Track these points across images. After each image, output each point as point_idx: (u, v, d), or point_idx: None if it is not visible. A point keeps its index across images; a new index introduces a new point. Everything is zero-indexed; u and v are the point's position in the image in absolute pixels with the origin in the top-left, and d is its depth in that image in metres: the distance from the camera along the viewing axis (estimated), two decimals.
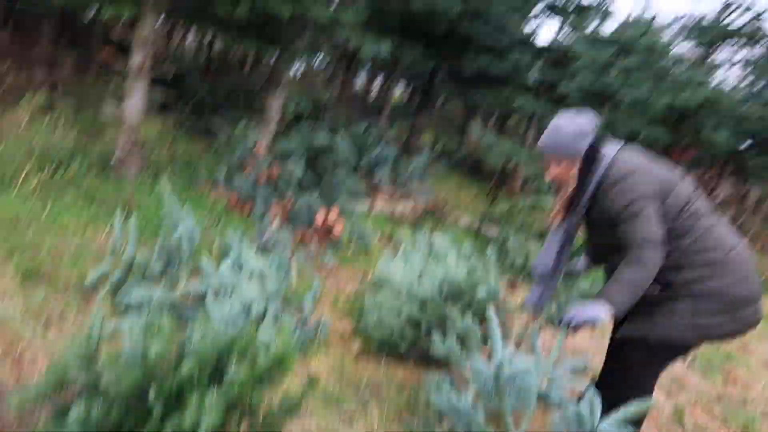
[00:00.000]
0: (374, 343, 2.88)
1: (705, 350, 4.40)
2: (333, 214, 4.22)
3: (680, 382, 3.81)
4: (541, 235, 5.43)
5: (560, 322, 2.15)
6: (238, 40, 5.47)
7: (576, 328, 2.11)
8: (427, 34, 9.09)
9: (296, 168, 4.39)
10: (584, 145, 2.34)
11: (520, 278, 4.73)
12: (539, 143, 2.44)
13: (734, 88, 14.20)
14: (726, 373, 4.26)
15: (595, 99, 6.57)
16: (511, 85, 8.65)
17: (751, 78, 14.48)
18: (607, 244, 2.36)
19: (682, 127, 8.19)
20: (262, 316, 2.67)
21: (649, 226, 2.15)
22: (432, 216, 5.85)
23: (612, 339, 2.56)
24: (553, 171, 2.42)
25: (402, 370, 2.83)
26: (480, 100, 11.20)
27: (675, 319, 2.24)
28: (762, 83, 13.50)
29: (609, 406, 2.38)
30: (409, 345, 2.83)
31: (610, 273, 2.37)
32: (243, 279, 2.74)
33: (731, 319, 2.20)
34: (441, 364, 2.81)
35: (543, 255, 2.54)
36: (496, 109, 10.78)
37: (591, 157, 2.36)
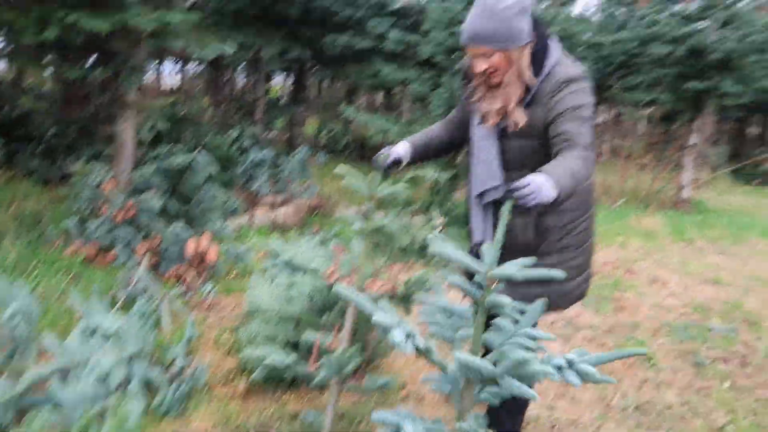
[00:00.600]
0: (259, 377, 2.73)
1: (594, 285, 4.60)
2: (204, 241, 3.99)
3: (574, 323, 3.95)
4: (427, 209, 5.44)
5: (510, 193, 1.68)
6: (72, 65, 5.02)
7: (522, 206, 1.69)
8: (283, 20, 8.86)
9: (154, 198, 4.09)
10: (525, 26, 1.93)
11: (409, 260, 4.70)
12: (466, 29, 1.95)
13: (589, 17, 14.97)
14: (616, 301, 4.47)
15: (455, 52, 6.61)
16: (375, 56, 8.60)
17: (603, 7, 15.30)
18: (518, 158, 2.04)
19: None
20: (127, 384, 2.45)
21: (593, 137, 1.89)
22: (318, 214, 5.71)
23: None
24: (482, 65, 1.95)
25: (293, 400, 2.71)
26: (353, 78, 11.12)
27: (547, 289, 2.17)
28: (611, 11, 14.28)
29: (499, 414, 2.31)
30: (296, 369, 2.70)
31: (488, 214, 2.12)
32: (97, 346, 2.50)
33: (583, 280, 2.19)
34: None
35: (487, 170, 2.07)
36: (368, 84, 10.71)
37: (544, 43, 1.99)
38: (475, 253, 2.22)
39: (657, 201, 9.05)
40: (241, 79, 23.38)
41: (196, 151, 4.58)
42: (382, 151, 2.12)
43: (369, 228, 2.20)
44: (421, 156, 2.25)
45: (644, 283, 5.01)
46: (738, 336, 3.96)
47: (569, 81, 1.95)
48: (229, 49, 5.77)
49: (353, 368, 2.20)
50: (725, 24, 8.12)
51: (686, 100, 8.92)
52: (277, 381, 2.73)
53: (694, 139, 9.07)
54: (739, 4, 7.96)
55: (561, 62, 2.00)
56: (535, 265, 2.13)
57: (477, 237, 2.18)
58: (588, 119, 1.91)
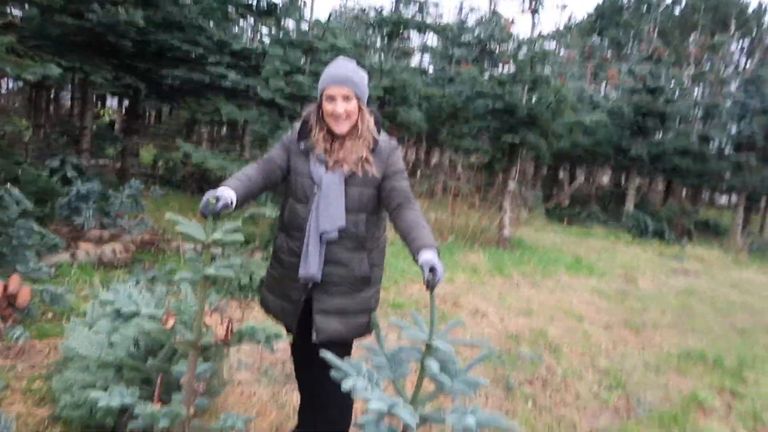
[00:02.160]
0: (77, 427, 2.56)
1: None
2: (14, 282, 3.64)
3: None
4: (266, 246, 5.46)
5: (431, 284, 2.01)
6: None
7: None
8: (114, 50, 8.43)
9: None
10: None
11: (249, 297, 4.69)
12: (335, 73, 2.28)
13: (425, 70, 16.19)
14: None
15: (294, 99, 6.81)
16: (215, 92, 8.49)
17: (435, 63, 16.62)
18: (357, 203, 2.31)
19: (384, 111, 8.94)
20: None
21: None
22: (150, 251, 5.45)
23: (299, 348, 2.60)
24: (343, 105, 2.27)
25: None
26: (193, 112, 10.84)
27: (368, 318, 2.42)
28: (442, 67, 15.57)
29: (337, 410, 2.47)
30: (118, 415, 2.57)
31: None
32: None
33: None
34: None
35: (336, 212, 2.29)
36: (208, 119, 10.52)
37: (377, 113, 2.41)
38: (305, 282, 2.38)
39: (482, 238, 9.90)
40: (67, 100, 21.34)
41: (7, 185, 4.17)
42: (207, 196, 2.09)
43: (200, 275, 2.18)
44: (243, 203, 2.32)
45: (468, 315, 5.46)
46: (542, 361, 4.48)
47: (397, 147, 2.42)
48: (51, 72, 5.39)
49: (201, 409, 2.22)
50: (531, 89, 9.33)
51: (503, 151, 10.01)
52: (98, 429, 2.57)
53: (512, 184, 10.14)
54: (541, 71, 9.18)
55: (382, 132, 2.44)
56: (359, 300, 2.41)
57: (312, 270, 2.32)
58: (407, 176, 2.40)
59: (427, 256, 2.07)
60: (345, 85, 2.27)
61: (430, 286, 2.03)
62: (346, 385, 1.98)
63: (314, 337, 2.33)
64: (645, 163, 15.06)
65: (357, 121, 2.32)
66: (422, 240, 2.14)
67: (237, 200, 2.21)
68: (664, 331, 5.86)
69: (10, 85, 19.77)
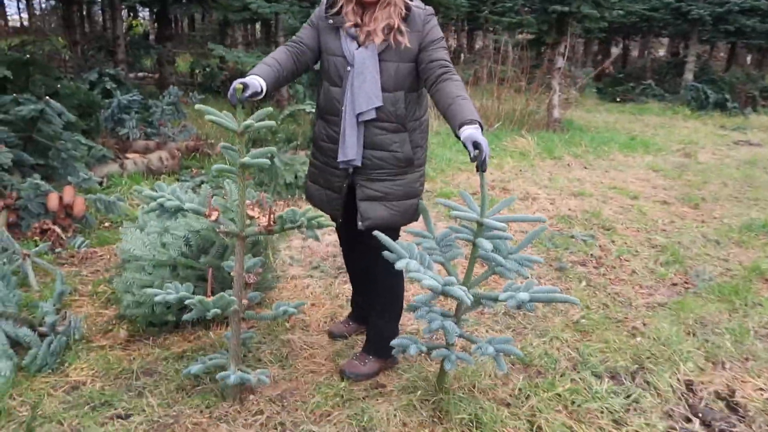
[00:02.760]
0: (141, 324, 2.69)
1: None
2: (69, 193, 3.74)
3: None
4: (309, 144, 5.41)
5: (478, 160, 1.92)
6: None
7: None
8: None
9: (2, 152, 3.74)
10: None
11: (295, 196, 4.71)
12: None
13: None
14: None
15: None
16: None
17: None
18: (394, 80, 2.17)
19: None
20: None
21: None
22: (196, 156, 5.49)
23: (346, 237, 2.60)
24: None
25: (179, 342, 2.69)
26: (223, 12, 10.48)
27: (414, 202, 2.35)
28: None
29: (387, 295, 2.48)
30: (178, 312, 2.68)
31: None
32: None
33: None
34: (217, 319, 2.73)
35: (372, 91, 2.15)
36: (239, 18, 10.16)
37: None
38: (345, 168, 2.30)
39: (530, 122, 9.54)
40: (99, 15, 21.18)
41: (46, 98, 4.18)
42: (234, 84, 1.99)
43: (236, 164, 2.13)
44: (274, 89, 2.20)
45: (517, 200, 5.36)
46: (595, 241, 4.39)
47: (433, 14, 2.19)
48: None
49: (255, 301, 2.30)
50: None
51: (551, 24, 9.35)
52: (160, 325, 2.70)
53: (560, 61, 9.58)
54: None
55: None
56: (403, 184, 2.33)
57: (350, 154, 2.23)
58: (445, 46, 2.19)
59: (469, 131, 1.94)
60: None
61: (478, 162, 1.93)
62: (399, 265, 1.95)
63: (360, 224, 2.29)
64: (707, 26, 13.90)
65: None
66: (463, 114, 1.99)
67: (267, 87, 2.09)
68: (724, 203, 5.62)
69: (44, 5, 19.69)
